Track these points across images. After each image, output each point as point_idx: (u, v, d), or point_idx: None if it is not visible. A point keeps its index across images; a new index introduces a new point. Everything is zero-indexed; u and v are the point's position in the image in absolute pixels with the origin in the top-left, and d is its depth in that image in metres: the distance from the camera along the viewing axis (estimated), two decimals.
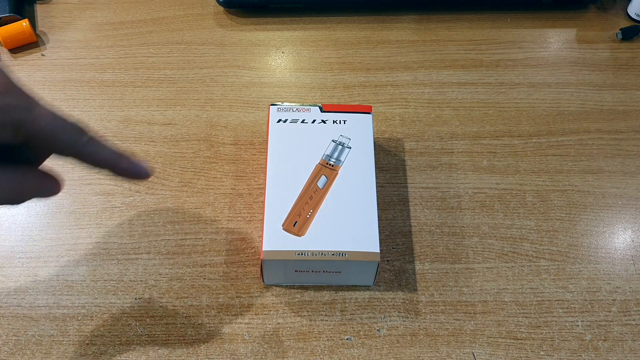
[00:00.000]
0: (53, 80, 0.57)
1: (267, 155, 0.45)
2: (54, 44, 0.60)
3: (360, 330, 0.43)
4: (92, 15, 0.62)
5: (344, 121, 0.47)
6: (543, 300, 0.44)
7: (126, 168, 0.33)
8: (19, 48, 0.59)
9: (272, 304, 0.44)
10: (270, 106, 0.47)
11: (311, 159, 0.44)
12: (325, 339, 0.42)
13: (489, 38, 0.61)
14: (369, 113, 0.47)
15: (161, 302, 0.44)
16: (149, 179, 0.50)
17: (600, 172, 0.51)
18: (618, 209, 0.49)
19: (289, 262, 0.41)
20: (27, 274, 0.45)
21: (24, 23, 0.58)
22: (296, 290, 0.44)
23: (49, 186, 0.32)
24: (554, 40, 0.61)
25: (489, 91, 0.56)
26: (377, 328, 0.43)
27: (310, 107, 0.47)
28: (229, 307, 0.44)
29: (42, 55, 0.59)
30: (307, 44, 0.60)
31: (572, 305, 0.44)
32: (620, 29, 0.61)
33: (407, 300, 0.44)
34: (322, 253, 0.40)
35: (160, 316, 0.43)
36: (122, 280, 0.45)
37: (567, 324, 0.43)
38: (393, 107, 0.55)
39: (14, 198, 0.30)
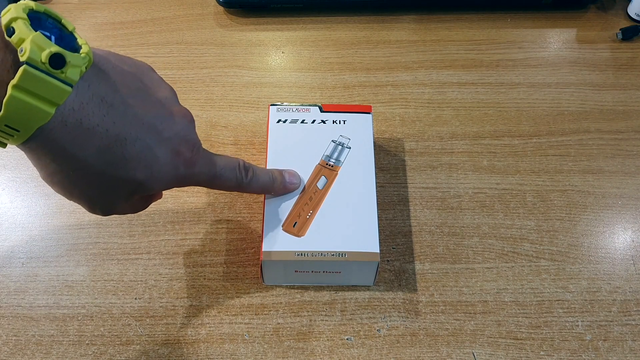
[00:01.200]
0: None
1: (267, 155, 0.45)
2: None
3: (360, 330, 0.43)
4: (92, 15, 0.62)
5: (344, 121, 0.47)
6: (543, 300, 0.44)
7: (280, 189, 0.42)
8: None
9: (272, 304, 0.44)
10: (270, 106, 0.47)
11: (311, 159, 0.44)
12: (325, 339, 0.42)
13: (489, 38, 0.61)
14: (369, 113, 0.47)
15: (161, 302, 0.44)
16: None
17: (600, 172, 0.51)
18: (618, 209, 0.49)
19: (289, 262, 0.41)
20: (27, 274, 0.45)
21: None
22: (296, 290, 0.44)
23: None
24: (554, 40, 0.61)
25: (489, 91, 0.56)
26: (377, 328, 0.43)
27: (310, 107, 0.47)
28: (229, 307, 0.44)
29: None
30: (307, 44, 0.60)
31: (572, 305, 0.44)
32: (620, 29, 0.61)
33: (407, 300, 0.44)
34: (322, 253, 0.40)
35: (160, 316, 0.43)
36: (122, 280, 0.45)
37: (567, 324, 0.43)
38: (393, 107, 0.55)
39: None
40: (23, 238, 0.47)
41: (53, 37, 0.27)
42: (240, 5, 0.62)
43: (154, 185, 0.33)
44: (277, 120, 0.46)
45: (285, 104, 0.48)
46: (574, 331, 0.43)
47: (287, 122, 0.46)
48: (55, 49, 0.26)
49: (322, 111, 0.47)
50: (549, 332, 0.43)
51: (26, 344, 0.42)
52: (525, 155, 0.52)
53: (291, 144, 0.45)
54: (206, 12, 0.63)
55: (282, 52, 0.60)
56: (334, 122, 0.46)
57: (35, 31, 0.26)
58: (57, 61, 0.26)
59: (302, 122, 0.47)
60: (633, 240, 0.47)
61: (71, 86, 0.27)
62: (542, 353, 0.42)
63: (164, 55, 0.59)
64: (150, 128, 0.31)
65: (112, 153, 0.30)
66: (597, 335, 0.42)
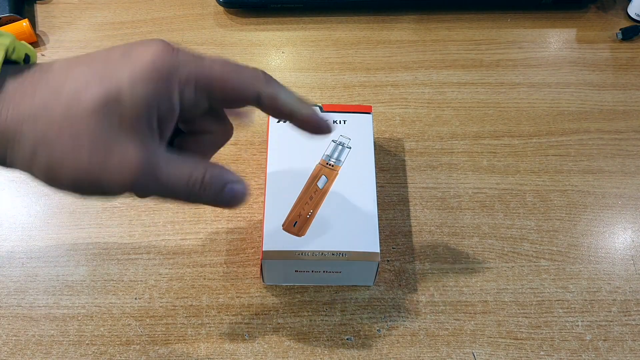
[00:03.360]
0: None
1: (267, 155, 0.45)
2: (54, 44, 0.60)
3: (360, 330, 0.43)
4: (92, 15, 0.62)
5: (344, 121, 0.47)
6: (543, 300, 0.44)
7: (308, 118, 0.31)
8: None
9: (272, 304, 0.44)
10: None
11: (311, 159, 0.44)
12: (325, 339, 0.42)
13: (489, 38, 0.61)
14: (369, 113, 0.47)
15: (161, 302, 0.44)
16: None
17: (600, 172, 0.51)
18: (618, 209, 0.49)
19: (289, 262, 0.41)
20: (27, 274, 0.45)
21: (24, 23, 0.58)
22: (296, 290, 0.44)
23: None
24: (554, 40, 0.61)
25: (489, 91, 0.56)
26: (377, 328, 0.43)
27: None
28: (229, 307, 0.44)
29: (42, 55, 0.59)
30: (307, 44, 0.60)
31: (572, 305, 0.44)
32: (620, 29, 0.61)
33: (407, 300, 0.44)
34: (322, 253, 0.40)
35: (160, 316, 0.43)
36: (122, 280, 0.45)
37: (567, 324, 0.43)
38: (393, 107, 0.55)
39: None
40: (23, 238, 0.47)
41: None
42: (240, 5, 0.62)
43: (138, 91, 0.26)
44: (277, 120, 0.46)
45: None
46: (574, 331, 0.43)
47: (287, 122, 0.46)
48: None
49: (322, 111, 0.47)
50: (549, 332, 0.43)
51: (26, 344, 0.42)
52: (525, 155, 0.52)
53: (291, 144, 0.45)
54: (206, 12, 0.63)
55: (282, 52, 0.60)
56: (334, 122, 0.46)
57: None
58: None
59: None
60: (633, 240, 0.47)
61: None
62: (542, 353, 0.42)
63: None
64: (103, 59, 0.27)
65: (67, 89, 0.26)
66: (597, 335, 0.42)
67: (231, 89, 0.29)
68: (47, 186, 0.27)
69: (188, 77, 0.28)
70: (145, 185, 0.27)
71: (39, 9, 0.63)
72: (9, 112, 0.25)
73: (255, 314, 0.43)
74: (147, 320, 0.43)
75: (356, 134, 0.46)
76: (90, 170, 0.26)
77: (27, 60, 0.28)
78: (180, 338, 0.42)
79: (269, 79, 0.31)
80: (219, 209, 0.48)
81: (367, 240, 0.41)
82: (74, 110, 0.25)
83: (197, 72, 0.28)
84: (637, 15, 0.61)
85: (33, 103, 0.25)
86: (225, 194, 0.29)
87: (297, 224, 0.41)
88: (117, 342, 0.42)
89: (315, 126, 0.32)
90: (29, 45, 0.28)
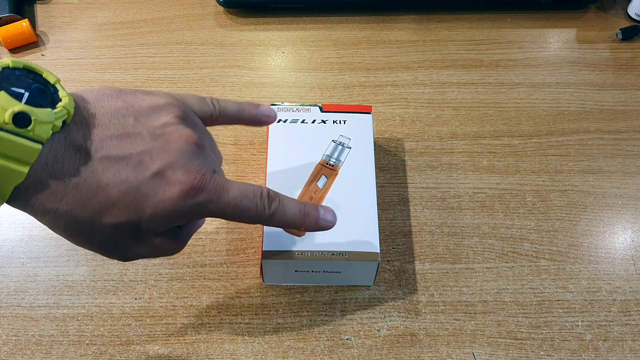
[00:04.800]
0: None
1: (267, 155, 0.45)
2: (54, 44, 0.60)
3: (360, 330, 0.43)
4: (92, 15, 0.62)
5: (344, 121, 0.47)
6: (543, 300, 0.44)
7: (311, 226, 0.36)
8: (19, 48, 0.59)
9: (272, 304, 0.44)
10: (271, 106, 0.47)
11: (311, 159, 0.44)
12: (325, 339, 0.42)
13: (489, 38, 0.61)
14: (369, 113, 0.47)
15: (161, 302, 0.44)
16: None
17: (600, 172, 0.51)
18: (618, 209, 0.49)
19: (289, 262, 0.41)
20: (27, 274, 0.45)
21: (24, 23, 0.58)
22: (296, 290, 0.44)
23: None
24: (554, 40, 0.61)
25: (489, 91, 0.56)
26: (377, 328, 0.43)
27: (310, 107, 0.47)
28: (229, 307, 0.44)
29: (42, 55, 0.59)
30: (307, 44, 0.60)
31: (572, 305, 0.44)
32: (620, 29, 0.61)
33: (407, 300, 0.44)
34: (322, 253, 0.40)
35: (160, 316, 0.43)
36: (122, 280, 0.45)
37: (567, 324, 0.43)
38: (393, 107, 0.55)
39: None
40: (23, 238, 0.47)
41: (27, 94, 0.27)
42: (240, 5, 0.62)
43: (154, 224, 0.30)
44: (277, 120, 0.46)
45: (285, 104, 0.48)
46: (574, 331, 0.43)
47: (287, 122, 0.46)
48: (18, 107, 0.25)
49: (322, 111, 0.47)
50: (549, 332, 0.43)
51: (26, 344, 0.42)
52: (525, 155, 0.52)
53: (291, 144, 0.45)
54: (206, 12, 0.63)
55: (282, 52, 0.60)
56: (334, 122, 0.46)
57: (4, 90, 0.26)
58: (21, 120, 0.25)
59: (303, 122, 0.47)
60: (633, 240, 0.47)
61: (42, 143, 0.26)
62: (542, 353, 0.42)
63: (164, 55, 0.59)
64: (135, 165, 0.29)
65: (95, 201, 0.29)
66: (597, 335, 0.42)
67: (239, 218, 0.34)
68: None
69: (202, 214, 0.32)
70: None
71: (39, 9, 0.63)
72: (37, 203, 0.28)
73: (255, 314, 0.43)
74: (147, 320, 0.43)
75: (356, 134, 0.46)
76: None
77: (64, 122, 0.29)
78: (180, 338, 0.42)
79: (272, 198, 0.34)
80: None
81: (367, 240, 0.41)
82: (96, 225, 0.29)
83: (214, 211, 0.32)
84: (637, 15, 0.61)
85: (59, 206, 0.28)
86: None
87: None
88: (117, 342, 0.42)
89: (320, 230, 0.37)
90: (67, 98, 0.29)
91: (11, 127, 0.25)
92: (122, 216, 0.29)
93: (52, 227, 0.30)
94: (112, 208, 0.29)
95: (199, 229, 0.47)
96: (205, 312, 0.43)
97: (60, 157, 0.28)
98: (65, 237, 0.30)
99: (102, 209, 0.29)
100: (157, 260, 0.46)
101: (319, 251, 0.40)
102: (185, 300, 0.44)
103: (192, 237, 0.47)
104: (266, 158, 0.45)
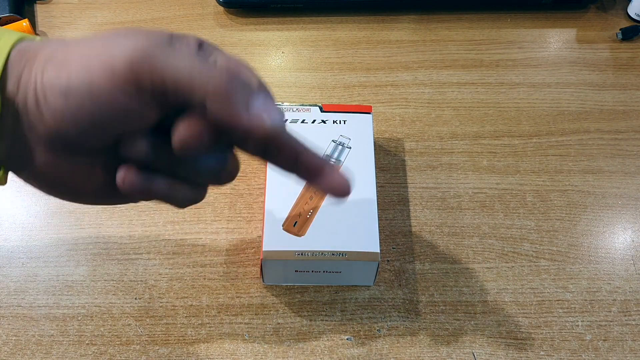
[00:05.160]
0: None
1: None
2: None
3: (360, 330, 0.43)
4: (92, 15, 0.62)
5: (344, 121, 0.47)
6: (543, 300, 0.44)
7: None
8: None
9: (272, 304, 0.44)
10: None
11: None
12: (325, 339, 0.42)
13: (489, 38, 0.61)
14: (369, 113, 0.47)
15: (161, 302, 0.44)
16: None
17: (600, 172, 0.51)
18: (618, 209, 0.49)
19: (289, 262, 0.41)
20: (27, 274, 0.45)
21: (24, 23, 0.58)
22: (296, 290, 0.44)
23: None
24: (554, 40, 0.61)
25: (489, 91, 0.56)
26: (377, 328, 0.43)
27: (310, 107, 0.47)
28: (229, 307, 0.44)
29: None
30: (307, 44, 0.60)
31: (572, 305, 0.44)
32: (620, 29, 0.61)
33: (407, 300, 0.44)
34: (322, 253, 0.40)
35: (160, 316, 0.43)
36: (122, 280, 0.45)
37: (567, 324, 0.43)
38: (393, 107, 0.55)
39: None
40: (23, 238, 0.47)
41: None
42: (240, 5, 0.62)
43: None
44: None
45: (285, 104, 0.48)
46: (574, 331, 0.43)
47: (287, 122, 0.46)
48: None
49: (322, 111, 0.47)
50: (549, 332, 0.43)
51: (26, 344, 0.42)
52: (525, 155, 0.52)
53: None
54: (206, 12, 0.63)
55: (282, 52, 0.60)
56: (334, 122, 0.46)
57: None
58: None
59: (303, 122, 0.47)
60: (633, 240, 0.47)
61: None
62: (542, 353, 0.42)
63: None
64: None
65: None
66: (597, 335, 0.42)
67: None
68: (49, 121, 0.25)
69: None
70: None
71: (39, 9, 0.63)
72: (20, 78, 0.25)
73: (255, 314, 0.43)
74: (147, 320, 0.43)
75: (356, 134, 0.46)
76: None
77: None
78: (180, 338, 0.42)
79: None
80: (218, 209, 0.48)
81: (367, 240, 0.41)
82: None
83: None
84: (637, 15, 0.61)
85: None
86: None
87: (297, 223, 0.41)
88: (117, 342, 0.42)
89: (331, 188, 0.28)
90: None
91: None
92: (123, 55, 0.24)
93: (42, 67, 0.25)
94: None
95: (199, 229, 0.47)
96: (205, 312, 0.43)
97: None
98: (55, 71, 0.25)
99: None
100: (157, 260, 0.46)
101: (319, 251, 0.40)
102: (185, 300, 0.44)
103: (192, 237, 0.47)
104: None
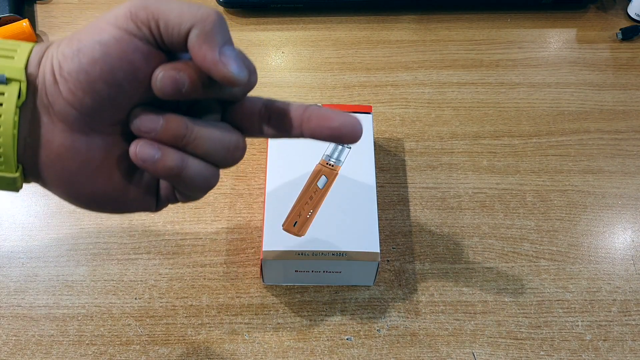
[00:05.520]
0: None
1: (267, 155, 0.45)
2: None
3: (360, 330, 0.43)
4: (92, 15, 0.62)
5: None
6: (543, 300, 0.44)
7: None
8: None
9: (272, 304, 0.44)
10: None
11: (311, 159, 0.44)
12: (325, 339, 0.42)
13: (489, 38, 0.61)
14: (369, 113, 0.47)
15: (161, 302, 0.44)
16: None
17: (600, 172, 0.51)
18: (618, 209, 0.49)
19: (289, 262, 0.41)
20: (27, 274, 0.45)
21: (24, 23, 0.58)
22: (296, 290, 0.44)
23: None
24: (554, 40, 0.61)
25: (489, 91, 0.56)
26: (377, 328, 0.43)
27: None
28: (229, 307, 0.44)
29: None
30: (307, 44, 0.60)
31: (572, 305, 0.44)
32: (620, 29, 0.61)
33: (407, 300, 0.44)
34: (322, 253, 0.40)
35: (160, 316, 0.43)
36: (122, 280, 0.45)
37: (567, 324, 0.43)
38: (393, 107, 0.55)
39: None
40: (23, 238, 0.47)
41: None
42: (240, 5, 0.62)
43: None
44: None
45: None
46: (574, 331, 0.43)
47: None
48: None
49: None
50: (549, 332, 0.43)
51: (26, 344, 0.42)
52: (525, 155, 0.52)
53: (291, 143, 0.45)
54: None
55: (282, 52, 0.60)
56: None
57: None
58: None
59: None
60: (633, 240, 0.47)
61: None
62: (542, 353, 0.42)
63: None
64: None
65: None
66: (597, 335, 0.42)
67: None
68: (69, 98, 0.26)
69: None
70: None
71: (39, 9, 0.63)
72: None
73: (255, 314, 0.43)
74: (147, 320, 0.43)
75: None
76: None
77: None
78: (180, 338, 0.42)
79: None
80: (218, 209, 0.48)
81: (367, 240, 0.41)
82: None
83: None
84: (637, 15, 0.61)
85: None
86: None
87: (297, 224, 0.41)
88: (117, 342, 0.42)
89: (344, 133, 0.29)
90: None
91: None
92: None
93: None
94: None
95: (199, 229, 0.47)
96: (205, 312, 0.43)
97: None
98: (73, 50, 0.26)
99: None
100: (157, 260, 0.46)
101: (319, 251, 0.40)
102: (185, 300, 0.44)
103: (192, 237, 0.47)
104: (266, 158, 0.45)
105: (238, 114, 0.29)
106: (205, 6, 0.26)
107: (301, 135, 0.29)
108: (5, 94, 0.25)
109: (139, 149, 0.27)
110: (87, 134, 0.27)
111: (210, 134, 0.28)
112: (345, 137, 0.28)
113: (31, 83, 0.26)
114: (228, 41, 0.26)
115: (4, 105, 0.25)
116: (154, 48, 0.26)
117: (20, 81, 0.25)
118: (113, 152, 0.28)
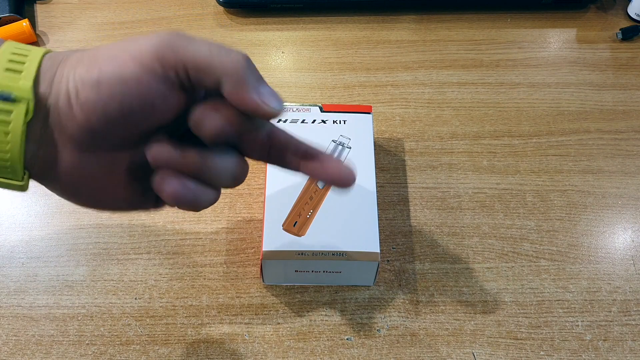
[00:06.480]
0: None
1: None
2: (54, 44, 0.60)
3: (360, 330, 0.43)
4: (92, 15, 0.62)
5: (344, 121, 0.47)
6: (543, 300, 0.44)
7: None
8: None
9: (272, 304, 0.44)
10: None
11: None
12: (325, 339, 0.42)
13: (489, 38, 0.61)
14: (369, 113, 0.47)
15: (161, 302, 0.44)
16: None
17: (600, 172, 0.51)
18: (618, 209, 0.49)
19: (289, 262, 0.41)
20: (27, 274, 0.45)
21: (24, 23, 0.58)
22: (296, 290, 0.44)
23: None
24: (554, 40, 0.61)
25: (489, 91, 0.56)
26: (377, 328, 0.43)
27: (310, 107, 0.47)
28: (229, 307, 0.44)
29: None
30: (307, 44, 0.60)
31: (572, 305, 0.44)
32: (620, 29, 0.61)
33: (407, 300, 0.44)
34: (322, 253, 0.40)
35: (160, 316, 0.43)
36: (122, 280, 0.45)
37: (567, 324, 0.43)
38: (393, 107, 0.55)
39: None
40: (23, 238, 0.47)
41: None
42: (240, 5, 0.62)
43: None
44: (277, 120, 0.46)
45: (285, 103, 0.48)
46: (574, 331, 0.43)
47: (287, 122, 0.46)
48: None
49: (322, 111, 0.47)
50: (549, 332, 0.43)
51: (26, 344, 0.42)
52: (525, 155, 0.52)
53: None
54: (206, 12, 0.63)
55: (282, 52, 0.60)
56: (334, 122, 0.46)
57: None
58: None
59: (303, 122, 0.47)
60: (633, 240, 0.47)
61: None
62: (542, 353, 0.42)
63: None
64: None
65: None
66: (597, 335, 0.42)
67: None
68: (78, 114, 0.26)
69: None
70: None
71: (39, 9, 0.63)
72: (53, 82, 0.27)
73: (255, 314, 0.43)
74: (147, 320, 0.43)
75: (356, 134, 0.46)
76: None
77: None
78: (180, 338, 0.42)
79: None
80: (218, 209, 0.48)
81: (367, 240, 0.41)
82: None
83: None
84: (637, 15, 0.61)
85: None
86: None
87: (297, 224, 0.41)
88: (117, 342, 0.42)
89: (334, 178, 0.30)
90: None
91: None
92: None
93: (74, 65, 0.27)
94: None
95: (199, 229, 0.47)
96: (205, 312, 0.43)
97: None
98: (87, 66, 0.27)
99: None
100: (157, 260, 0.46)
101: (319, 251, 0.40)
102: (185, 300, 0.44)
103: (192, 237, 0.47)
104: None
105: (244, 140, 0.30)
106: (232, 50, 0.27)
107: (297, 170, 0.31)
108: (14, 113, 0.26)
109: (156, 146, 0.28)
110: (94, 152, 0.28)
111: (222, 163, 0.28)
112: (338, 185, 0.30)
113: (42, 101, 0.26)
114: (260, 79, 0.27)
115: (12, 124, 0.26)
116: (177, 88, 0.27)
117: (28, 100, 0.26)
118: (119, 165, 0.29)
